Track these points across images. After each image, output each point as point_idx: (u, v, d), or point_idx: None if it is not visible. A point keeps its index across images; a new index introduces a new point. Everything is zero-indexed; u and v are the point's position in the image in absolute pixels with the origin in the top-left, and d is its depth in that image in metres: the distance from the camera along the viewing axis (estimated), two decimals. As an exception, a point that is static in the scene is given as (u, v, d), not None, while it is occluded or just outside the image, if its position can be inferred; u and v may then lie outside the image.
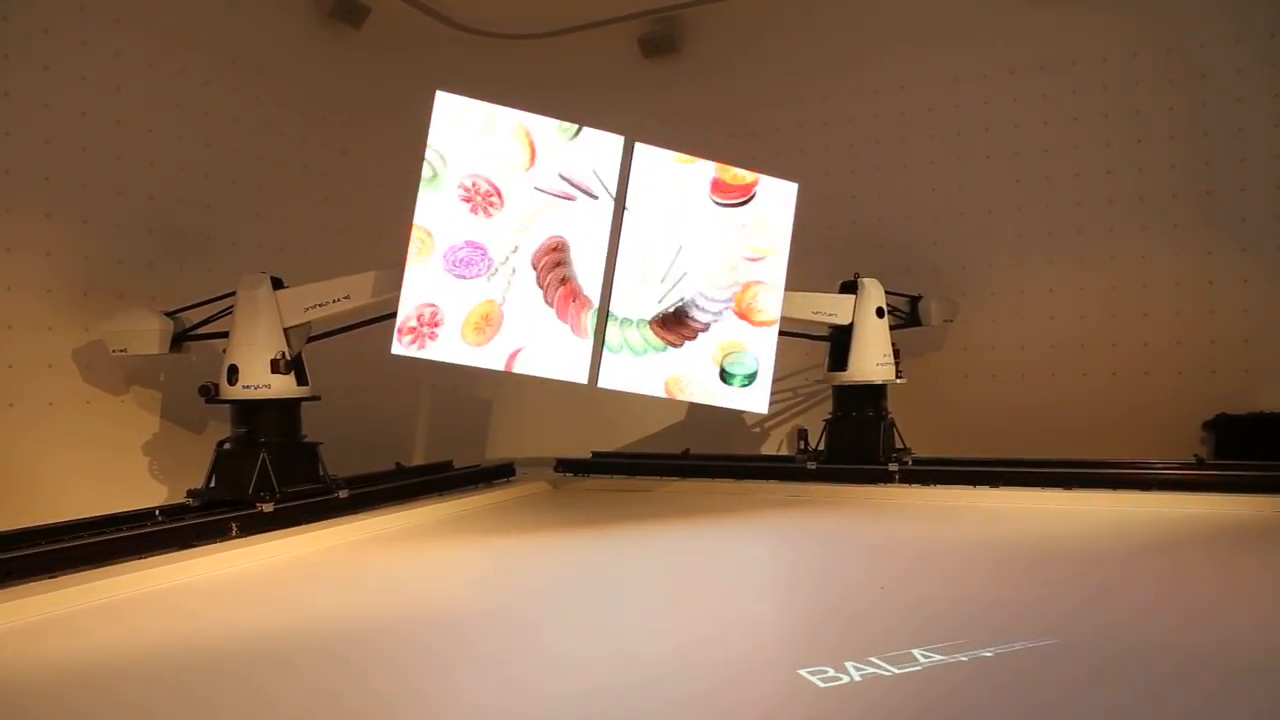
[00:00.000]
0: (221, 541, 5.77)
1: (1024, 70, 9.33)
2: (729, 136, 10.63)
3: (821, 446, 8.39)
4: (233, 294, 6.90)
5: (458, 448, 10.02)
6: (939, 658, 3.37)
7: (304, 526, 6.29)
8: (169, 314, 6.95)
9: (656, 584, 5.15)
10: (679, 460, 8.84)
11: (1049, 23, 9.19)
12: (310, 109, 9.37)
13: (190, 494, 6.70)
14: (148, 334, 6.74)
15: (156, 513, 6.22)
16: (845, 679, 3.18)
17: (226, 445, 6.81)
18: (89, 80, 7.33)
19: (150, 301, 7.32)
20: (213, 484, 6.69)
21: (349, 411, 7.81)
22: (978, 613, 4.04)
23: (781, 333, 7.78)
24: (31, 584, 4.70)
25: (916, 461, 7.98)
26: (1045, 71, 9.24)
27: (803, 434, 8.51)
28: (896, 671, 3.25)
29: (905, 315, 8.79)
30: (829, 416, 8.43)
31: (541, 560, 5.75)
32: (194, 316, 7.19)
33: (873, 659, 3.36)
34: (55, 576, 4.82)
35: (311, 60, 9.35)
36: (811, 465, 8.09)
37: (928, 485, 7.55)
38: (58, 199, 7.17)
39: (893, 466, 7.76)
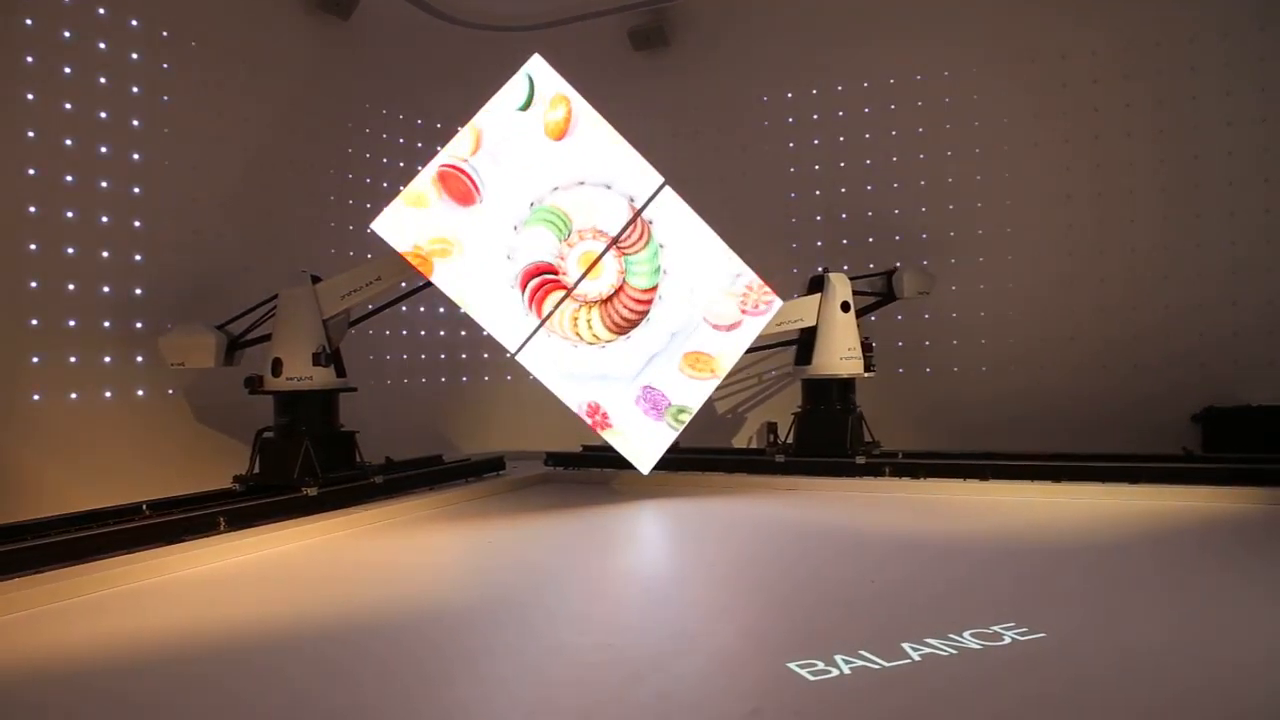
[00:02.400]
0: (208, 536, 5.73)
1: (1014, 63, 9.34)
2: (718, 129, 10.64)
3: (790, 440, 8.44)
4: (271, 299, 7.21)
5: (446, 442, 10.02)
6: (928, 651, 3.37)
7: (289, 522, 6.24)
8: (219, 327, 7.20)
9: (642, 576, 5.14)
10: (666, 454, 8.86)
11: (1035, 17, 9.21)
12: (298, 100, 9.32)
13: (236, 479, 6.96)
14: (204, 348, 7.03)
15: (144, 507, 6.19)
16: (835, 672, 3.18)
17: (268, 433, 7.07)
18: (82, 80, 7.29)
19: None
20: (256, 470, 6.97)
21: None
22: (967, 606, 4.05)
23: (752, 349, 7.89)
24: (18, 579, 4.67)
25: (906, 454, 8.00)
26: (1034, 65, 9.26)
27: (772, 427, 8.58)
28: (886, 665, 3.25)
29: (882, 294, 8.78)
30: (797, 410, 8.49)
31: (528, 553, 5.74)
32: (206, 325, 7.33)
33: (862, 652, 3.36)
34: (42, 571, 4.79)
35: (299, 52, 9.29)
36: (780, 458, 8.15)
37: (917, 478, 7.56)
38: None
39: (860, 459, 7.82)
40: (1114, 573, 4.69)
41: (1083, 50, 9.06)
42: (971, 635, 3.53)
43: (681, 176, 10.51)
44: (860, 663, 3.26)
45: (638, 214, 7.29)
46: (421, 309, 10.59)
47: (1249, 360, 8.35)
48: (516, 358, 7.05)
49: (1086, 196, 9.09)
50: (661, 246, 7.41)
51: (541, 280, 7.07)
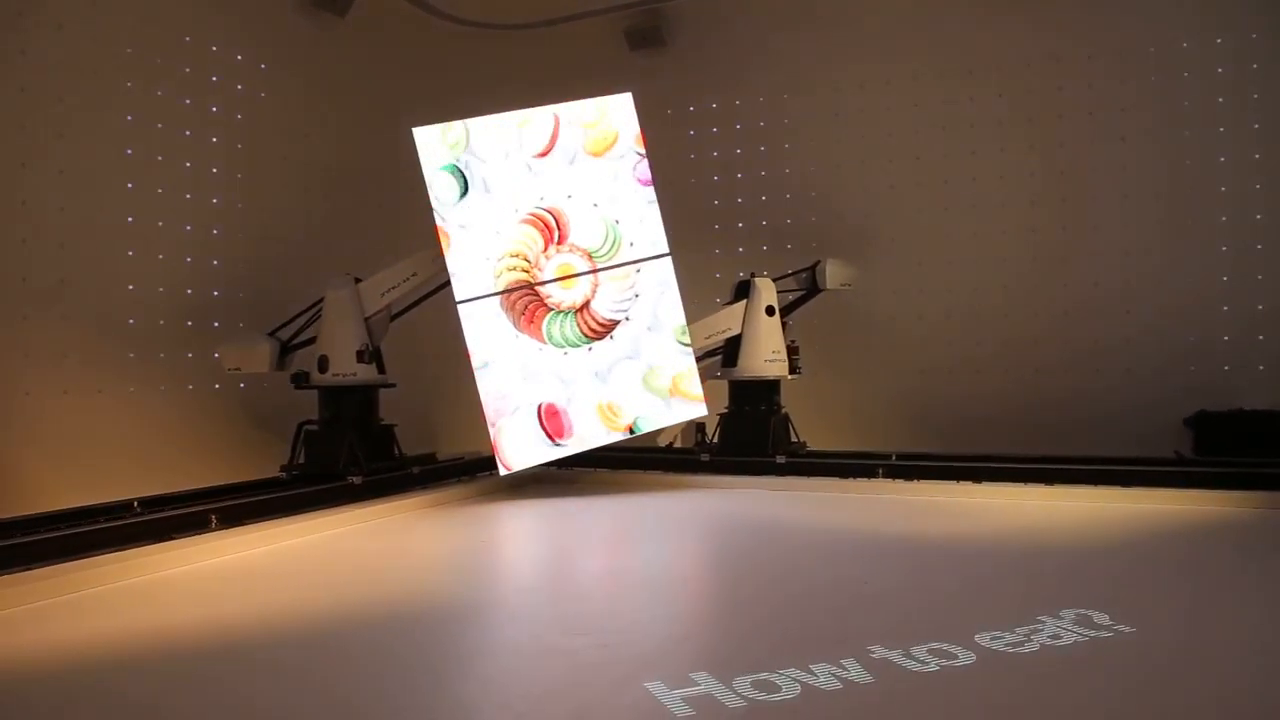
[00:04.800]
0: (201, 534, 5.70)
1: (1002, 70, 9.35)
2: (713, 129, 10.63)
3: (715, 439, 8.67)
4: (316, 304, 7.66)
5: (439, 441, 9.97)
6: (925, 654, 3.37)
7: (279, 520, 6.21)
8: (270, 333, 7.60)
9: (634, 577, 5.14)
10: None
11: (1013, 27, 9.23)
12: (295, 99, 9.27)
13: (283, 469, 7.36)
14: (260, 355, 7.50)
15: (135, 504, 6.16)
16: (835, 675, 3.18)
17: (310, 426, 7.47)
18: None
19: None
20: (301, 460, 7.39)
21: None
22: (967, 609, 4.06)
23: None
24: (5, 577, 4.63)
25: (900, 456, 8.05)
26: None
27: (700, 427, 8.71)
28: (885, 668, 3.25)
29: (806, 289, 8.96)
30: (723, 411, 8.71)
31: (520, 553, 5.74)
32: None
33: (855, 657, 3.36)
34: (31, 569, 4.76)
35: (295, 48, 9.24)
36: (705, 457, 8.41)
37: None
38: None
39: (781, 459, 8.11)
40: (1103, 576, 4.70)
41: (1077, 56, 9.06)
42: (980, 638, 3.53)
43: (676, 178, 10.51)
44: (860, 668, 3.26)
45: (629, 263, 7.74)
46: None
47: (1240, 364, 8.38)
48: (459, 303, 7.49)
49: (1078, 200, 9.11)
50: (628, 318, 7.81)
51: (540, 218, 7.58)
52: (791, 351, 8.59)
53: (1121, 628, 3.66)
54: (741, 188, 10.52)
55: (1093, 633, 3.60)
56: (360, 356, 7.42)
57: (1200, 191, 8.64)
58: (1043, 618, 3.76)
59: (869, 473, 7.79)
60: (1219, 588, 4.46)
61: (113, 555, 5.09)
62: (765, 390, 8.55)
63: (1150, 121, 8.81)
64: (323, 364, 7.42)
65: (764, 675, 3.18)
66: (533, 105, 7.84)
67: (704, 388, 8.14)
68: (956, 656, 3.34)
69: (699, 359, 8.43)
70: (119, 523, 5.55)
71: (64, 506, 5.97)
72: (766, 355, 8.45)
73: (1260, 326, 8.36)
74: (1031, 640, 3.50)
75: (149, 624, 4.14)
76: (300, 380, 7.48)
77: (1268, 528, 5.81)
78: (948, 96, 9.61)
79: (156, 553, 5.25)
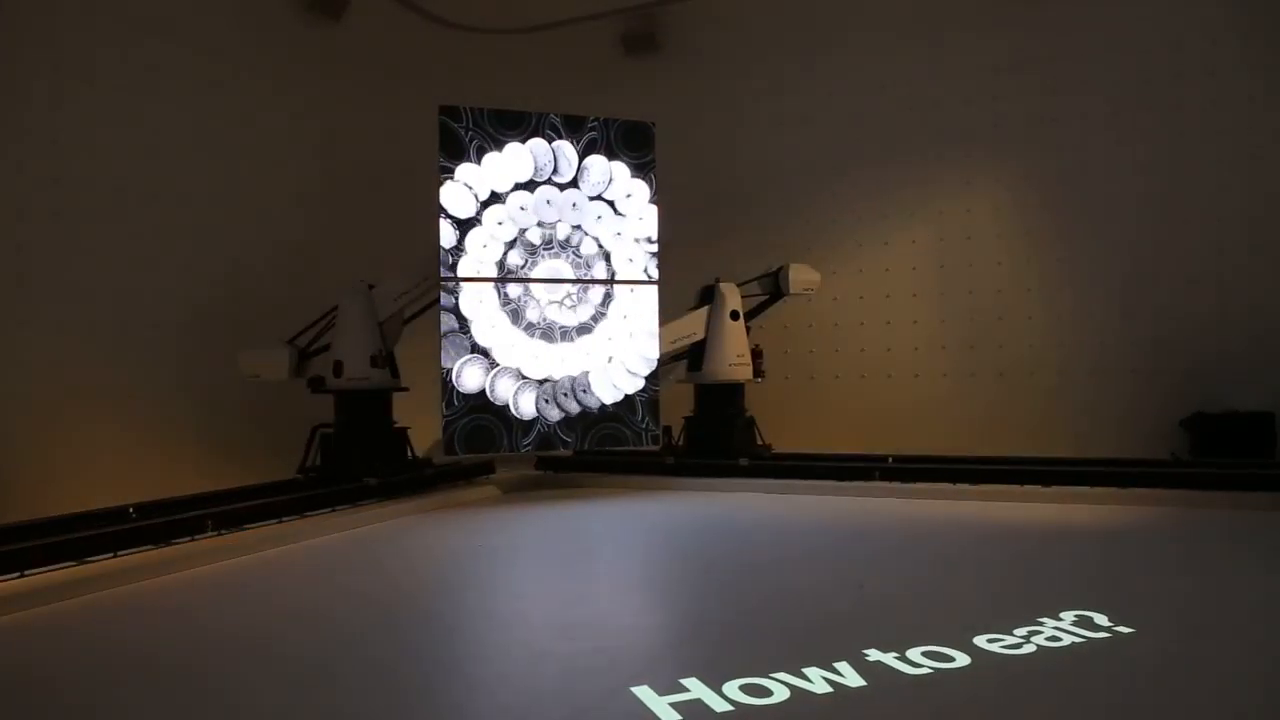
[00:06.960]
0: (198, 539, 5.68)
1: (1006, 70, 9.36)
2: (707, 132, 10.63)
3: (681, 442, 8.76)
4: (331, 312, 7.82)
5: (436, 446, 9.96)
6: (925, 659, 3.36)
7: (277, 524, 6.20)
8: (289, 342, 7.72)
9: (633, 581, 5.13)
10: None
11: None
12: (292, 100, 9.27)
13: (300, 471, 7.48)
14: (278, 363, 7.65)
15: (130, 511, 6.13)
16: (827, 679, 3.17)
17: (325, 429, 7.62)
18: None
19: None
20: (318, 462, 7.54)
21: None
22: (963, 611, 4.04)
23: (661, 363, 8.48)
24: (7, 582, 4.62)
25: (897, 459, 8.02)
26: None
27: (667, 430, 8.75)
28: (878, 671, 3.24)
29: (770, 293, 9.07)
30: (688, 415, 8.80)
31: (518, 557, 5.72)
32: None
33: (848, 660, 3.34)
34: (26, 575, 4.74)
35: (290, 53, 9.24)
36: (670, 460, 8.48)
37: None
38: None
39: (744, 461, 8.19)
40: (1102, 577, 4.69)
41: (1077, 58, 9.07)
42: (977, 640, 3.52)
43: (670, 179, 10.54)
44: (859, 672, 3.25)
45: (614, 280, 8.20)
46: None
47: (1236, 366, 8.37)
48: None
49: (1075, 203, 9.11)
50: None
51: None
52: (755, 355, 8.66)
53: (1121, 629, 3.65)
54: (735, 190, 10.50)
55: (1092, 634, 3.59)
56: (374, 361, 7.58)
57: (1197, 195, 8.64)
58: (1041, 619, 3.76)
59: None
60: (1217, 589, 4.46)
61: (112, 560, 5.09)
62: (730, 394, 8.63)
63: (1151, 124, 8.82)
64: (338, 369, 7.56)
65: (754, 680, 3.16)
66: (531, 110, 7.91)
67: (669, 391, 8.44)
68: (953, 659, 3.33)
69: (664, 362, 8.53)
70: (117, 528, 5.53)
71: (61, 513, 5.95)
72: (731, 360, 8.54)
73: (1256, 328, 8.36)
74: (1030, 642, 3.49)
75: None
76: (316, 385, 7.64)
77: (1264, 528, 5.81)
78: (944, 100, 9.61)
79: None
